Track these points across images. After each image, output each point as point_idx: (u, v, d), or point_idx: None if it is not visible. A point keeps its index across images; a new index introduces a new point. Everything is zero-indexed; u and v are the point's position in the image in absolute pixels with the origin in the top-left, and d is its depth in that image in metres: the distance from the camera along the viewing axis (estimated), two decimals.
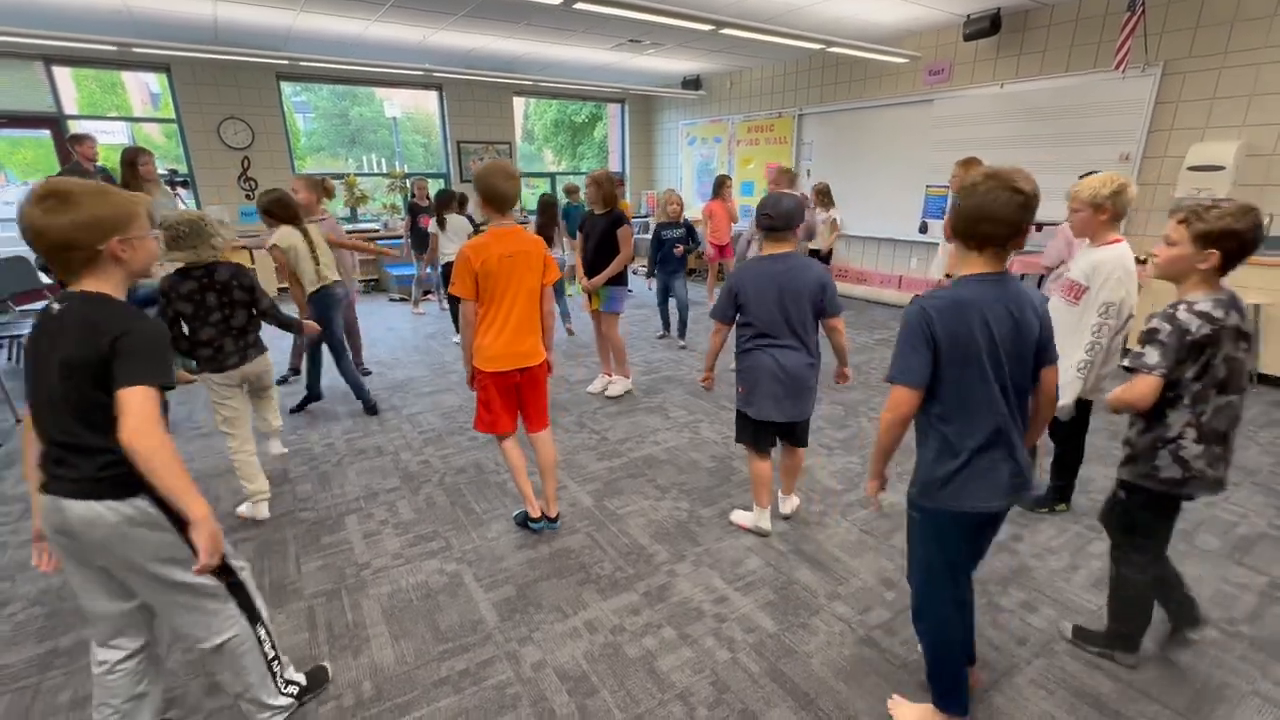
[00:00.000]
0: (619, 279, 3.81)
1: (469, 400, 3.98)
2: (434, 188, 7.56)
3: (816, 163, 7.29)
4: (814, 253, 5.84)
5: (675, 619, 1.99)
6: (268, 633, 1.52)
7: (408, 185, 7.24)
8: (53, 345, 1.20)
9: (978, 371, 1.31)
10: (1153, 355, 1.49)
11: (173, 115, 6.69)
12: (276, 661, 1.55)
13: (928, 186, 6.15)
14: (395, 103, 13.05)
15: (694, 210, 8.24)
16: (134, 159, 3.89)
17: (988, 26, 5.18)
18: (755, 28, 5.02)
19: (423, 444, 3.31)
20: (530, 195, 9.65)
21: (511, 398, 2.32)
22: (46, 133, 6.25)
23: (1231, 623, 1.96)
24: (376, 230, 7.59)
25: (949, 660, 1.53)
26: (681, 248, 4.94)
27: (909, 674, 1.76)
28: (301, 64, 6.36)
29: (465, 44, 6.18)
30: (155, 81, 7.79)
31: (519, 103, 8.87)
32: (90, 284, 1.22)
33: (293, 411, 3.71)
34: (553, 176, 9.88)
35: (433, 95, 8.12)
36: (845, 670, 1.78)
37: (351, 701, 1.69)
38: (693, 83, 8.39)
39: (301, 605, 2.07)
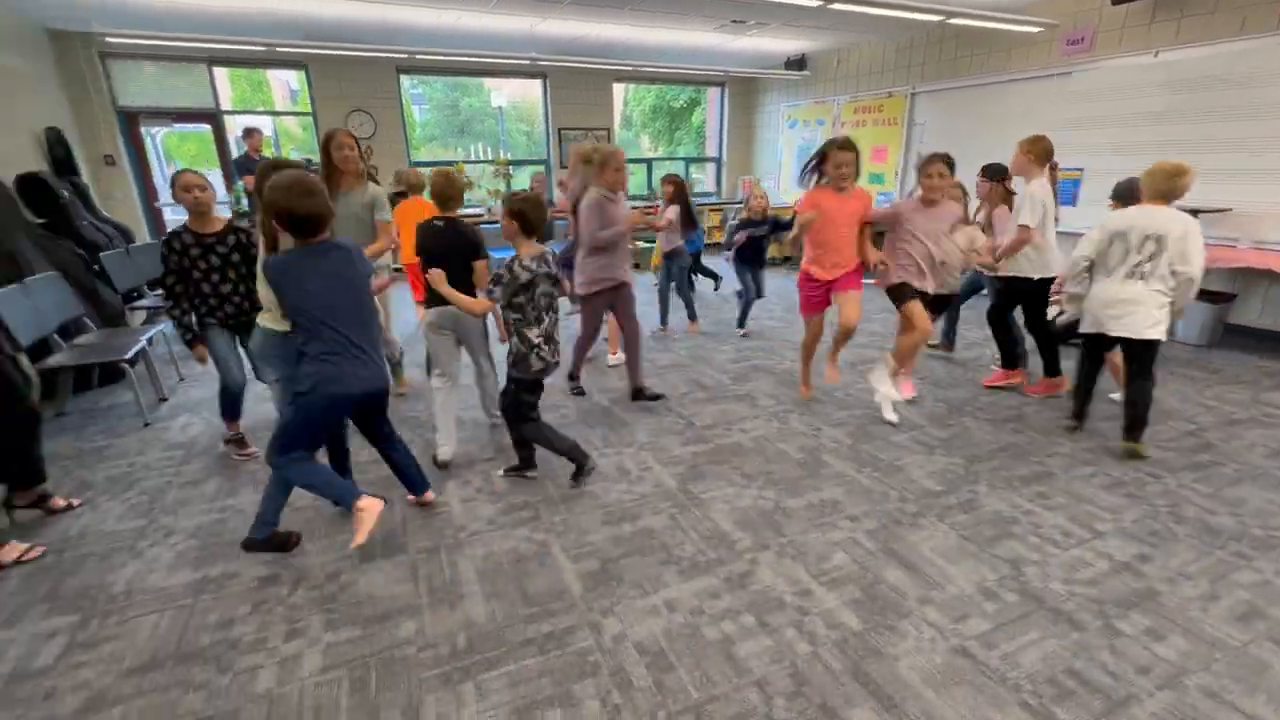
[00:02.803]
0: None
1: (563, 379, 4.11)
2: (530, 173, 7.79)
3: (929, 145, 6.83)
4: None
5: (755, 607, 1.98)
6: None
7: (510, 173, 7.54)
8: (451, 239, 2.71)
9: None
10: (498, 292, 2.43)
11: (309, 109, 7.34)
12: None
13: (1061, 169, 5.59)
14: (502, 92, 13.57)
15: (796, 195, 8.00)
16: (326, 143, 3.14)
17: None
18: (870, 1, 4.75)
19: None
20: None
21: None
22: (207, 127, 7.07)
23: None
24: (480, 214, 7.97)
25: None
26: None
27: (1008, 690, 1.65)
28: (419, 57, 6.76)
29: (570, 32, 6.31)
30: (295, 79, 8.57)
31: (618, 89, 8.94)
32: (450, 213, 2.77)
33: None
34: (649, 162, 9.91)
35: (537, 84, 8.37)
36: (935, 678, 1.70)
37: (447, 651, 1.82)
38: (796, 63, 8.09)
39: (406, 558, 2.25)
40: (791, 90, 8.69)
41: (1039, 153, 3.30)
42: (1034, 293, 3.51)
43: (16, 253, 3.76)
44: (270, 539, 2.26)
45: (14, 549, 2.24)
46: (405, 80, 7.72)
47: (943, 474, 2.80)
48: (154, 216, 6.93)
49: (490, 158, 10.76)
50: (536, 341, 2.48)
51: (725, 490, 2.70)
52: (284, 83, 12.10)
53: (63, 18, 5.50)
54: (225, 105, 7.15)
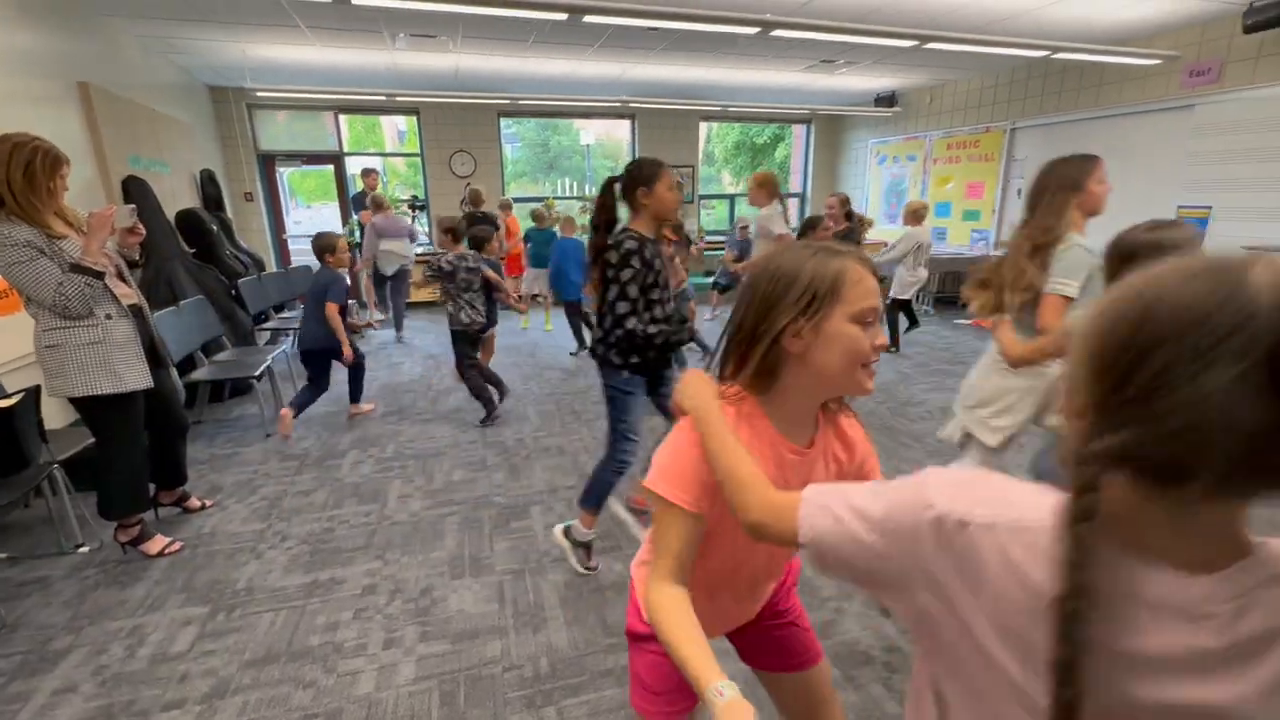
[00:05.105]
0: None
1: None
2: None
3: (1030, 182, 6.53)
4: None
5: (839, 659, 1.91)
6: None
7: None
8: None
9: None
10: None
11: (417, 150, 7.99)
12: None
13: (1179, 207, 5.19)
14: (590, 131, 14.19)
15: (885, 231, 7.83)
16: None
17: None
18: (967, 39, 4.66)
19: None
20: (709, 217, 9.88)
21: None
22: (330, 167, 7.83)
23: None
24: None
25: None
26: None
27: None
28: (520, 102, 7.23)
29: (659, 75, 6.56)
30: (403, 122, 9.37)
31: (704, 127, 9.15)
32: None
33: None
34: (732, 199, 10.02)
35: (625, 124, 8.72)
36: None
37: (530, 674, 1.87)
38: (886, 100, 8.00)
39: (493, 579, 2.35)
40: (881, 126, 8.57)
41: (769, 187, 4.37)
42: None
43: (173, 279, 4.29)
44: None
45: (159, 541, 2.52)
46: (504, 122, 8.26)
47: None
48: (280, 247, 7.70)
49: (575, 193, 11.23)
50: (464, 306, 3.83)
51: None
52: (393, 125, 13.26)
53: (222, 76, 6.32)
54: (345, 148, 7.91)
